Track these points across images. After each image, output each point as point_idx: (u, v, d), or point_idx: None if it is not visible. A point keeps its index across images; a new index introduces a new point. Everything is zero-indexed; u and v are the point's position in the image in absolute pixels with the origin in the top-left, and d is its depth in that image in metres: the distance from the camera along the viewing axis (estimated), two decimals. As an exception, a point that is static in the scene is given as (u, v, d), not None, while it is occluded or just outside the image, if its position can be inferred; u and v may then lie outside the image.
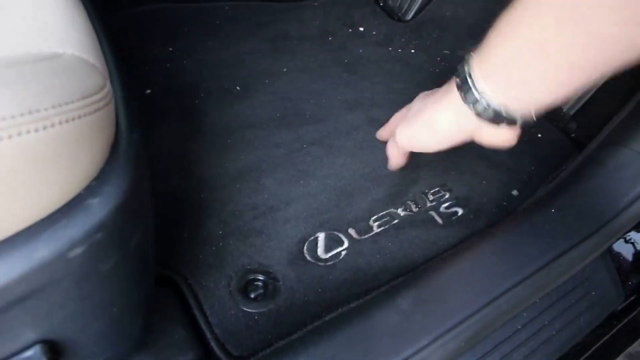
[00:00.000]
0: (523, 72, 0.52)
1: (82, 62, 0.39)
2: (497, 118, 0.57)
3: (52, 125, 0.33)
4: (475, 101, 0.57)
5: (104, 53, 0.46)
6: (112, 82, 0.43)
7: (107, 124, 0.39)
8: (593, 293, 0.68)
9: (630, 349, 0.72)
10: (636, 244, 0.78)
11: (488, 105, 0.56)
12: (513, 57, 0.52)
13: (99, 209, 0.37)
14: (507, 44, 0.53)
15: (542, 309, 0.63)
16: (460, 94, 0.59)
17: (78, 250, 0.36)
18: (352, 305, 0.64)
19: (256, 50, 1.04)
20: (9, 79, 0.33)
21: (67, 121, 0.34)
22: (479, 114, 0.58)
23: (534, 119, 0.57)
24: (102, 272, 0.40)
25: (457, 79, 0.59)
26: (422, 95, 0.74)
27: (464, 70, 0.58)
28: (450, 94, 0.61)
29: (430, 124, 0.66)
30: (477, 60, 0.57)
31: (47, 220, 0.35)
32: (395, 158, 0.79)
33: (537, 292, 0.60)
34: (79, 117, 0.35)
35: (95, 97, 0.37)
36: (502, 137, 0.62)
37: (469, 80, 0.57)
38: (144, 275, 0.49)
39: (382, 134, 0.86)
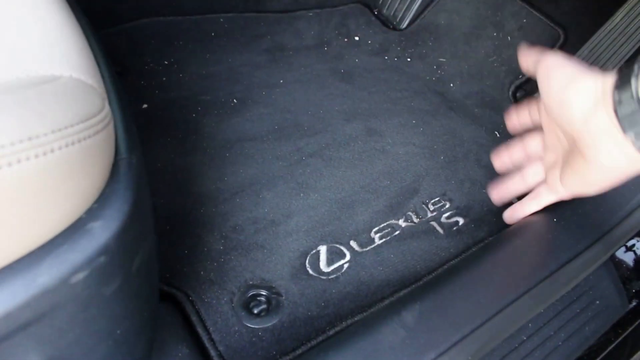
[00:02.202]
0: None
1: (80, 83, 0.39)
2: None
3: (52, 150, 0.32)
4: None
5: (101, 72, 0.46)
6: (110, 102, 0.43)
7: (107, 146, 0.39)
8: (597, 302, 0.67)
9: (636, 357, 0.72)
10: (638, 251, 0.78)
11: None
12: None
13: (100, 232, 0.37)
14: None
15: (547, 319, 0.62)
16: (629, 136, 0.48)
17: (81, 275, 0.36)
18: (356, 318, 0.64)
19: (252, 62, 1.03)
20: (7, 104, 0.33)
21: (67, 146, 0.33)
22: None
23: None
24: (105, 296, 0.40)
25: (623, 124, 0.48)
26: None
27: (633, 104, 0.47)
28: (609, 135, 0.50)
29: (608, 170, 0.54)
30: None
31: (48, 245, 0.35)
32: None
33: (542, 302, 0.60)
34: (79, 140, 0.34)
35: (95, 120, 0.36)
36: None
37: None
38: (148, 296, 0.48)
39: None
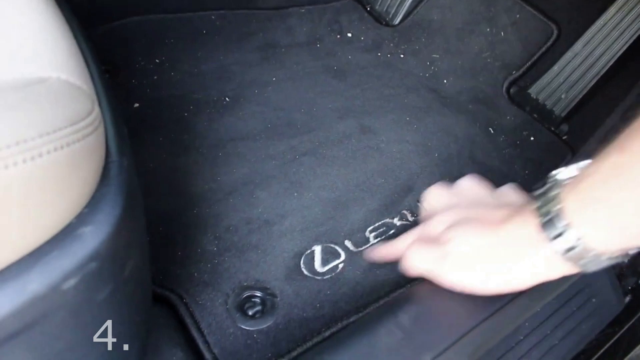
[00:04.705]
0: None
1: (69, 85, 0.38)
2: (599, 264, 0.48)
3: (41, 155, 0.32)
4: (582, 257, 0.47)
5: (90, 73, 0.45)
6: (99, 103, 0.42)
7: (97, 149, 0.38)
8: (594, 299, 0.67)
9: (632, 354, 0.72)
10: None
11: (601, 259, 0.47)
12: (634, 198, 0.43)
13: (91, 237, 0.36)
14: (635, 188, 0.43)
15: (543, 318, 0.62)
16: (553, 247, 0.48)
17: (72, 281, 0.35)
18: (352, 319, 0.64)
19: (244, 59, 1.03)
20: (-5, 108, 0.32)
21: (55, 150, 0.33)
22: (586, 268, 0.48)
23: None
24: (97, 301, 0.39)
25: (546, 233, 0.48)
26: (452, 216, 0.60)
27: (551, 216, 0.48)
28: (534, 246, 0.50)
29: (508, 277, 0.53)
30: (578, 204, 0.47)
31: (38, 252, 0.34)
32: (414, 274, 0.60)
33: (538, 301, 0.59)
34: (68, 144, 0.34)
35: (84, 123, 0.36)
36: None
37: (566, 233, 0.47)
38: (141, 300, 0.48)
39: (383, 252, 0.68)
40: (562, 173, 0.51)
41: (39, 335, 0.36)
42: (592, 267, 0.48)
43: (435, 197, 0.67)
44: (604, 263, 0.47)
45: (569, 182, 0.48)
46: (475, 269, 0.54)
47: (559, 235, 0.47)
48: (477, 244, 0.55)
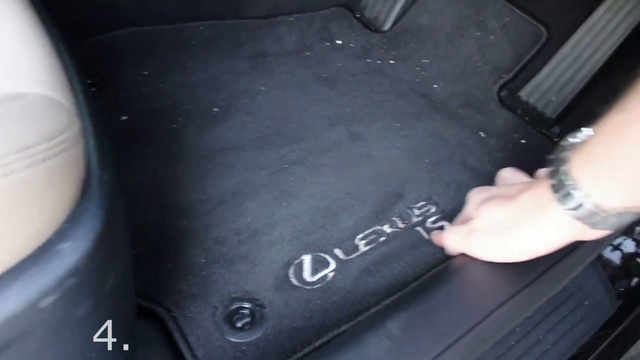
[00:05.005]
0: None
1: (47, 100, 0.38)
2: (619, 223, 0.50)
3: (14, 172, 0.31)
4: (591, 214, 0.49)
5: (72, 87, 0.44)
6: (81, 117, 0.42)
7: (77, 164, 0.38)
8: (586, 302, 0.67)
9: (626, 356, 0.71)
10: (624, 249, 0.77)
11: (609, 215, 0.49)
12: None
13: (70, 253, 0.35)
14: (635, 145, 0.45)
15: (535, 322, 0.62)
16: (563, 206, 0.51)
17: (51, 299, 0.35)
18: (342, 328, 0.63)
19: (234, 69, 1.02)
20: (-32, 125, 0.32)
21: (30, 166, 0.32)
22: (594, 226, 0.51)
23: None
24: (78, 318, 0.38)
25: (556, 193, 0.52)
26: (491, 203, 0.63)
27: (561, 178, 0.51)
28: (547, 208, 0.53)
29: (525, 242, 0.57)
30: (585, 165, 0.49)
31: (16, 269, 0.34)
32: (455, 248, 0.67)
33: (530, 305, 0.59)
34: (44, 160, 0.33)
35: (62, 137, 0.35)
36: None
37: (575, 192, 0.49)
38: (124, 315, 0.47)
39: (437, 241, 0.73)
40: (571, 138, 0.53)
41: (17, 355, 0.36)
42: (603, 226, 0.50)
43: (476, 192, 0.70)
44: (613, 221, 0.49)
45: (577, 145, 0.51)
46: (497, 238, 0.59)
47: (568, 194, 0.50)
48: (499, 215, 0.60)
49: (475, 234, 0.62)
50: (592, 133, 0.50)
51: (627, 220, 0.50)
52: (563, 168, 0.50)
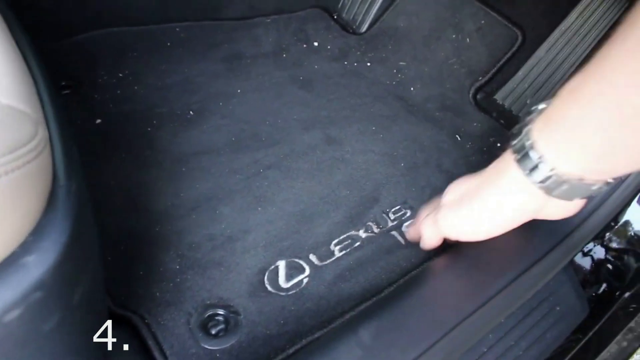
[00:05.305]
0: (609, 139, 0.44)
1: (10, 110, 0.37)
2: (573, 193, 0.50)
3: (-25, 186, 0.31)
4: (546, 178, 0.49)
5: (39, 94, 0.44)
6: (48, 125, 0.41)
7: (41, 175, 0.37)
8: (558, 308, 0.67)
9: (599, 358, 0.72)
10: (594, 255, 0.78)
11: (562, 181, 0.49)
12: (595, 120, 0.44)
13: (35, 266, 0.35)
14: (587, 105, 0.45)
15: (507, 328, 0.62)
16: (522, 171, 0.51)
17: (15, 313, 0.34)
18: (316, 335, 0.63)
19: (209, 71, 1.02)
20: None
21: (-7, 179, 0.32)
22: (549, 192, 0.51)
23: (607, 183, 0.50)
24: (44, 332, 0.38)
25: (515, 154, 0.52)
26: (460, 180, 0.64)
27: (522, 141, 0.51)
28: (506, 173, 0.54)
29: (486, 211, 0.57)
30: (543, 127, 0.49)
31: (-21, 283, 0.33)
32: (432, 240, 0.67)
33: (503, 311, 0.59)
34: (6, 173, 0.33)
35: (25, 149, 0.35)
36: (569, 207, 0.56)
37: (532, 153, 0.49)
38: (94, 326, 0.47)
39: (412, 233, 0.74)
40: (542, 104, 0.52)
41: (-18, 370, 0.35)
42: (557, 193, 0.50)
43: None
44: (565, 188, 0.49)
45: (538, 115, 0.51)
46: (465, 211, 0.59)
47: (526, 155, 0.50)
48: (463, 187, 0.61)
49: (442, 210, 0.62)
50: (550, 100, 0.50)
51: (579, 191, 0.50)
52: (524, 129, 0.51)
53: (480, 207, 0.58)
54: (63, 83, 0.90)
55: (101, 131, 0.85)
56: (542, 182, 0.50)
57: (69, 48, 0.98)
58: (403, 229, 0.78)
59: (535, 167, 0.50)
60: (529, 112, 0.52)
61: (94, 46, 1.00)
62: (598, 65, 0.44)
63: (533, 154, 0.49)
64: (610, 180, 0.49)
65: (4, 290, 0.34)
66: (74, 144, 0.45)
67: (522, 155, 0.51)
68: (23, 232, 0.35)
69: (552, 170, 0.48)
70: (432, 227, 0.65)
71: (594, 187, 0.49)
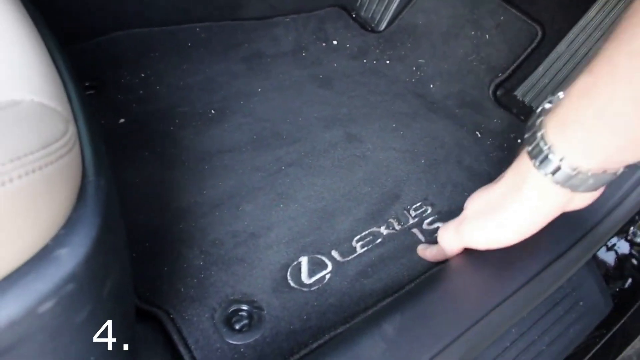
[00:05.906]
0: (631, 131, 0.44)
1: (42, 107, 0.38)
2: (599, 183, 0.50)
3: (11, 180, 0.32)
4: (570, 177, 0.49)
5: (67, 92, 0.45)
6: (77, 123, 0.42)
7: (72, 170, 0.38)
8: (581, 303, 0.67)
9: (624, 354, 0.72)
10: (618, 250, 0.78)
11: (586, 177, 0.49)
12: (614, 119, 0.44)
13: (68, 259, 0.36)
14: (603, 106, 0.44)
15: (531, 323, 0.62)
16: (544, 175, 0.51)
17: (48, 304, 0.35)
18: (339, 330, 0.63)
19: (230, 71, 1.03)
20: (-37, 134, 0.32)
21: (27, 174, 0.33)
22: (575, 189, 0.51)
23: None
24: (76, 323, 0.39)
25: (534, 160, 0.52)
26: (478, 192, 0.64)
27: (538, 145, 0.50)
28: (528, 179, 0.54)
29: (516, 220, 0.57)
30: (559, 130, 0.49)
31: (13, 275, 0.34)
32: (454, 253, 0.66)
33: (525, 306, 0.59)
34: (40, 168, 0.33)
35: (57, 145, 0.35)
36: (595, 193, 0.56)
37: (551, 157, 0.49)
38: (123, 319, 0.48)
39: (428, 254, 0.73)
40: (547, 104, 0.53)
41: (17, 360, 0.36)
42: (582, 189, 0.50)
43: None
44: (591, 183, 0.50)
45: (551, 109, 0.50)
46: (486, 221, 0.59)
47: (545, 159, 0.50)
48: (484, 198, 0.61)
49: (464, 223, 0.62)
50: (562, 96, 0.50)
51: (605, 180, 0.50)
52: (539, 133, 0.50)
53: (509, 217, 0.57)
54: (87, 84, 0.92)
55: (125, 130, 0.86)
56: (565, 181, 0.50)
57: (92, 49, 0.99)
58: (424, 226, 0.78)
59: (557, 169, 0.50)
60: (539, 113, 0.52)
61: (116, 47, 1.02)
62: (607, 65, 0.44)
63: (553, 157, 0.49)
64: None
65: (38, 282, 0.34)
66: (101, 141, 0.46)
67: (541, 159, 0.51)
68: (56, 225, 0.36)
69: (575, 170, 0.49)
70: (453, 241, 0.64)
71: (619, 172, 0.50)
